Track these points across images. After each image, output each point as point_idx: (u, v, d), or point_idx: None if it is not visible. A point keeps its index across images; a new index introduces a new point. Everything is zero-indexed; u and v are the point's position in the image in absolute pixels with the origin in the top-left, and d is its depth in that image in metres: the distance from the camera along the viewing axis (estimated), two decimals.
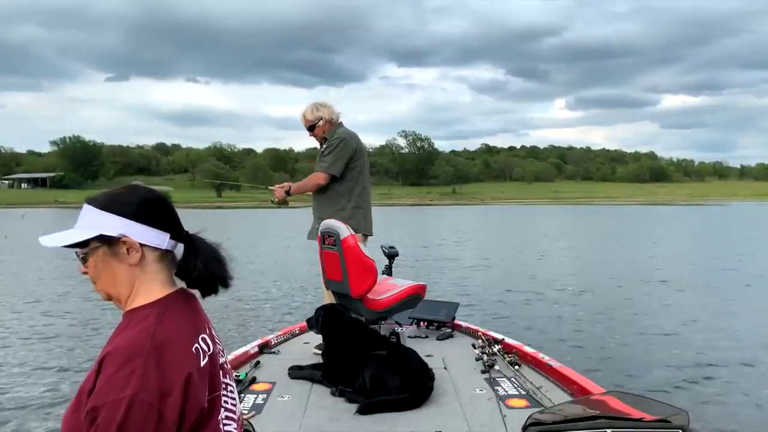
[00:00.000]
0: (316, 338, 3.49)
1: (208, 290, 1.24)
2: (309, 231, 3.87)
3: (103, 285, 1.19)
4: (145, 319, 1.12)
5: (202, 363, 1.13)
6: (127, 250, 1.15)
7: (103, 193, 1.21)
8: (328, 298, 3.70)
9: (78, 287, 10.10)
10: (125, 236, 1.15)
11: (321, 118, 3.77)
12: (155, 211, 1.18)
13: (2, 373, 5.54)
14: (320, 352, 3.45)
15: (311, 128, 3.82)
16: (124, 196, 1.18)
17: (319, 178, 3.72)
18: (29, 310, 8.74)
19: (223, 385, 1.22)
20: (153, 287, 1.17)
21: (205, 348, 1.17)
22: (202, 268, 1.19)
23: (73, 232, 1.17)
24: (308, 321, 3.36)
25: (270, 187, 4.01)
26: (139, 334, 1.08)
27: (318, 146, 3.95)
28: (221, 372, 1.22)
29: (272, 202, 3.97)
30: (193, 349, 1.13)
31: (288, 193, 3.86)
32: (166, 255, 1.20)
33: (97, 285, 1.20)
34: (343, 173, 3.72)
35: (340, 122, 3.84)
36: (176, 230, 1.21)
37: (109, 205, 1.16)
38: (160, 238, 1.18)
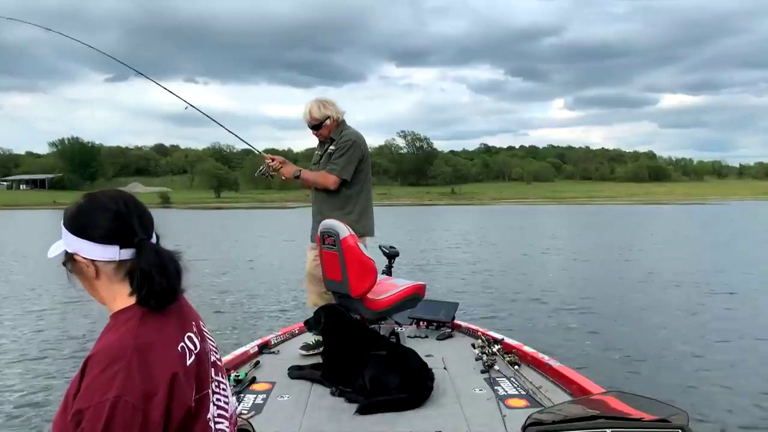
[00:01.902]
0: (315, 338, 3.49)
1: (149, 305, 1.15)
2: (312, 235, 3.79)
3: (87, 291, 1.22)
4: (129, 320, 1.12)
5: (188, 362, 1.13)
6: (85, 265, 1.17)
7: (72, 205, 1.21)
8: (311, 298, 3.71)
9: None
10: (76, 254, 1.17)
11: (328, 117, 3.60)
12: (105, 226, 1.15)
13: None
14: (306, 352, 3.44)
15: (316, 127, 3.65)
16: (78, 213, 1.18)
17: (330, 181, 3.57)
18: (28, 310, 8.73)
19: (215, 383, 1.21)
20: (129, 292, 1.17)
21: (192, 347, 1.17)
22: (136, 284, 1.14)
23: (53, 248, 1.21)
24: (307, 323, 3.34)
25: (263, 153, 3.81)
26: (122, 336, 1.09)
27: (318, 145, 3.83)
28: (213, 369, 1.22)
29: (262, 172, 3.73)
30: (179, 348, 1.13)
31: (297, 177, 3.68)
32: (124, 264, 1.17)
33: (85, 290, 1.23)
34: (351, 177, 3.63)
35: (343, 120, 3.71)
36: (128, 239, 1.16)
37: (67, 221, 1.19)
38: (109, 253, 1.16)
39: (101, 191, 1.24)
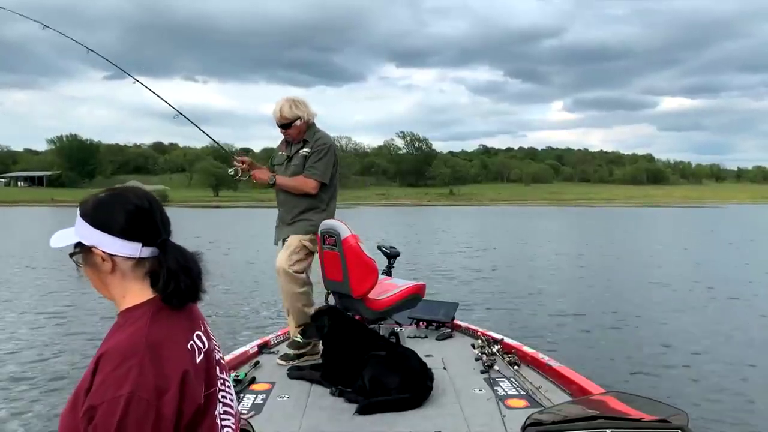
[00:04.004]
0: None
1: (171, 304, 1.17)
2: (278, 236, 3.69)
3: (95, 286, 1.22)
4: (139, 318, 1.13)
5: (198, 360, 1.15)
6: (102, 259, 1.16)
7: (91, 197, 1.20)
8: (285, 299, 3.60)
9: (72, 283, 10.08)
10: (95, 247, 1.16)
11: (299, 118, 3.52)
12: (129, 221, 1.16)
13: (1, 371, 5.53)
14: (285, 362, 3.41)
15: (285, 126, 3.58)
16: (100, 206, 1.18)
17: (311, 186, 3.53)
18: (32, 307, 8.73)
19: (220, 381, 1.24)
20: (142, 290, 1.18)
21: (200, 345, 1.18)
22: (162, 283, 1.15)
23: (59, 237, 1.20)
24: (305, 331, 3.28)
25: (236, 156, 3.69)
26: (134, 333, 1.10)
27: (283, 145, 3.73)
28: (217, 367, 1.24)
29: (233, 175, 3.65)
30: (189, 347, 1.15)
31: (273, 185, 3.62)
32: (143, 262, 1.17)
33: (92, 285, 1.23)
34: None
35: (314, 123, 3.65)
36: (151, 237, 1.17)
37: (88, 214, 1.17)
38: (130, 249, 1.16)
39: (122, 186, 1.24)
